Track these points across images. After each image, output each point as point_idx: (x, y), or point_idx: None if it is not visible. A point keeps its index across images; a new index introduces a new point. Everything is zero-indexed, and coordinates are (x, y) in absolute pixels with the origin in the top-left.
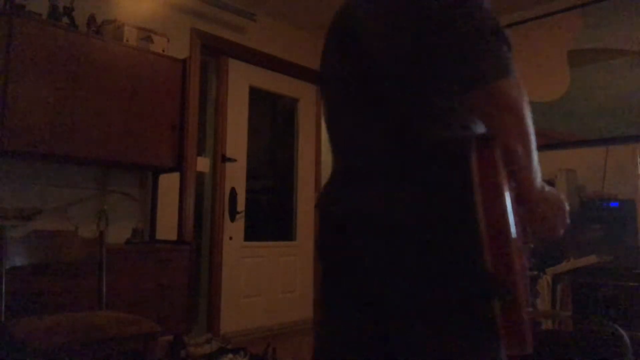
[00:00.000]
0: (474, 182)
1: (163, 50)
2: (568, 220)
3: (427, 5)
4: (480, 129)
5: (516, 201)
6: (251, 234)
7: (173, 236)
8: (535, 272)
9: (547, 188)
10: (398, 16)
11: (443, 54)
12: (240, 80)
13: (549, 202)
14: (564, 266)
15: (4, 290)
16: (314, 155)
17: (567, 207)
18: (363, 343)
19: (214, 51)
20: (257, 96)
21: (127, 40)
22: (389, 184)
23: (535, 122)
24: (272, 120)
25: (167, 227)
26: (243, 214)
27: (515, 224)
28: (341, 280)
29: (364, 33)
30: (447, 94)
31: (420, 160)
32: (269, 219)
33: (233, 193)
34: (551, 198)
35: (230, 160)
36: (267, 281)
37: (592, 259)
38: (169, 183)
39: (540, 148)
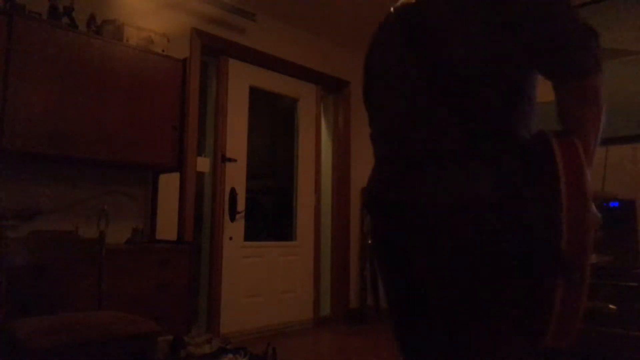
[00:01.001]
0: (559, 167)
1: (163, 50)
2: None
3: (523, 2)
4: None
5: None
6: (251, 234)
7: (173, 236)
8: None
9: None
10: (484, 11)
11: (541, 48)
12: (240, 80)
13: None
14: None
15: (4, 290)
16: (314, 155)
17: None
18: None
19: (214, 51)
20: (257, 96)
21: (127, 40)
22: (470, 166)
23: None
24: (272, 120)
25: (167, 227)
26: (243, 214)
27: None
28: (408, 264)
29: (443, 29)
30: (524, 94)
31: (497, 143)
32: (269, 219)
33: (233, 193)
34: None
35: (230, 160)
36: (267, 281)
37: (592, 259)
38: (169, 183)
39: None
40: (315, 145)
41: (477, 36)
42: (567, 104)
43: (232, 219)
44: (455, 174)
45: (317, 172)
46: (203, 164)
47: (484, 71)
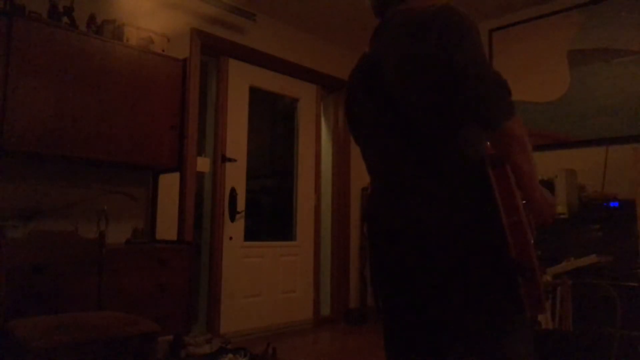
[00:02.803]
0: (495, 195)
1: (163, 50)
2: (556, 211)
3: (447, 64)
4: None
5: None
6: (251, 234)
7: (173, 236)
8: None
9: (543, 190)
10: (420, 68)
11: (463, 102)
12: (240, 80)
13: (544, 199)
14: (564, 266)
15: (4, 290)
16: (314, 155)
17: (555, 202)
18: (423, 321)
19: (214, 51)
20: (257, 96)
21: (127, 40)
22: (429, 200)
23: (535, 122)
24: (272, 120)
25: (167, 227)
26: (243, 214)
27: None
28: (400, 274)
29: (392, 81)
30: (463, 122)
31: (450, 179)
32: (269, 219)
33: (233, 193)
34: (545, 197)
35: (230, 160)
36: (267, 281)
37: (592, 259)
38: (169, 183)
39: (540, 148)
40: (315, 145)
41: (419, 79)
42: (494, 145)
43: (232, 219)
44: (425, 207)
45: (317, 172)
46: (203, 164)
47: (429, 111)
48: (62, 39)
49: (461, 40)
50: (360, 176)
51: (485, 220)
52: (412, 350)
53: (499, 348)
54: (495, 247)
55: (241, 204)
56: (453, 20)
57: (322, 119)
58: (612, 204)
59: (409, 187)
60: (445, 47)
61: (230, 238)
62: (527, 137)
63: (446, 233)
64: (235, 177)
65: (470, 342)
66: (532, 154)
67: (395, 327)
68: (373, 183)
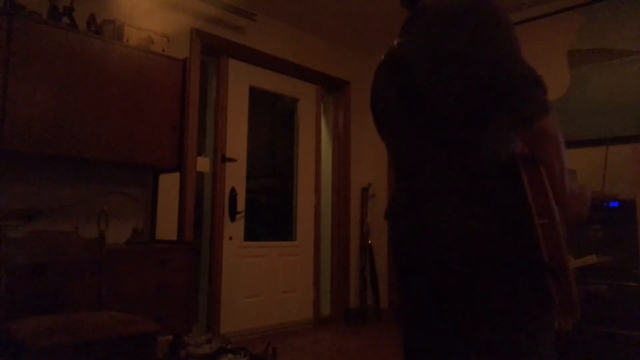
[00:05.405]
0: (528, 196)
1: (163, 50)
2: (589, 205)
3: (480, 60)
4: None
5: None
6: (251, 234)
7: (173, 236)
8: None
9: (575, 186)
10: (453, 64)
11: (496, 98)
12: (240, 80)
13: (576, 198)
14: None
15: (4, 290)
16: (314, 155)
17: (589, 195)
18: (445, 327)
19: (214, 51)
20: (257, 96)
21: (127, 40)
22: (458, 200)
23: None
24: (272, 120)
25: (167, 227)
26: (243, 214)
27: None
28: (424, 278)
29: (422, 76)
30: (493, 119)
31: (481, 178)
32: (269, 219)
33: (233, 193)
34: (577, 194)
35: (230, 160)
36: (267, 281)
37: (592, 259)
38: (169, 183)
39: None
40: (315, 145)
41: (451, 75)
42: (527, 142)
43: (232, 219)
44: (450, 210)
45: (317, 172)
46: (203, 164)
47: (459, 107)
48: (62, 39)
49: (495, 35)
50: (360, 176)
51: (516, 222)
52: (436, 352)
53: (524, 351)
54: (527, 249)
55: (241, 204)
56: (487, 15)
57: (322, 119)
58: (612, 204)
59: (438, 186)
60: (479, 42)
61: (230, 238)
62: (561, 136)
63: (476, 233)
64: (235, 177)
65: (497, 344)
66: (565, 153)
67: (418, 328)
68: (397, 180)
